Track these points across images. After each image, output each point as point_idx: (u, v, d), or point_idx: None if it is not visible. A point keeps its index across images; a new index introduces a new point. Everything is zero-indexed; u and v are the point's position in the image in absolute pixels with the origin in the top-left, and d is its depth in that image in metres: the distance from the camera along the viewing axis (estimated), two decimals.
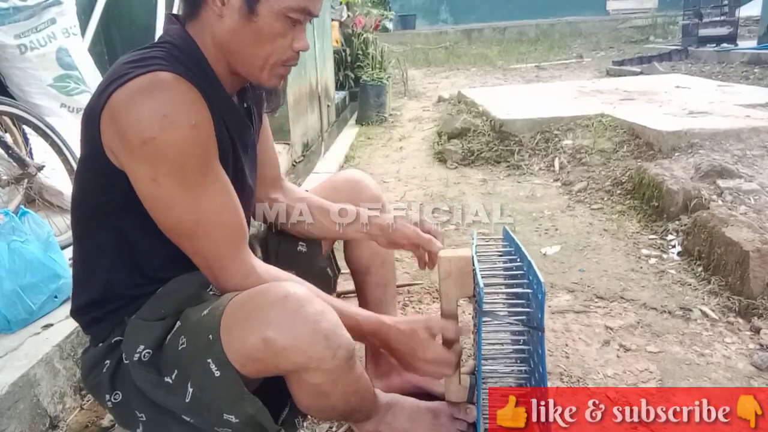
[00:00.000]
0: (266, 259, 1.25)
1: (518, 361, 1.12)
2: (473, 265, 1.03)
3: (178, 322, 0.93)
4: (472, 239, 1.16)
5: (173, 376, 0.89)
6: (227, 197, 0.92)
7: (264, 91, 1.08)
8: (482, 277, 0.98)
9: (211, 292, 0.98)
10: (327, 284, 1.28)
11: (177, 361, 0.89)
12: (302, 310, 0.82)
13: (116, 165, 0.88)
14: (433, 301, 1.84)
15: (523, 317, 1.03)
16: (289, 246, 1.25)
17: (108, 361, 0.98)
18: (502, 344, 1.14)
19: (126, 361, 0.93)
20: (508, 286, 1.08)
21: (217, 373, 0.84)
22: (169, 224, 0.90)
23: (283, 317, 0.82)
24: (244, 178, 1.05)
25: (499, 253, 1.17)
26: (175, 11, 1.00)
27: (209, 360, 0.85)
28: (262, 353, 0.82)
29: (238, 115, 1.00)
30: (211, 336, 0.85)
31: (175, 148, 0.83)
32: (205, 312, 0.89)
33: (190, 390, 0.87)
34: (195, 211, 0.88)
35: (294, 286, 0.87)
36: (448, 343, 1.05)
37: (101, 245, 0.97)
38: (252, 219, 1.19)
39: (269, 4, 0.88)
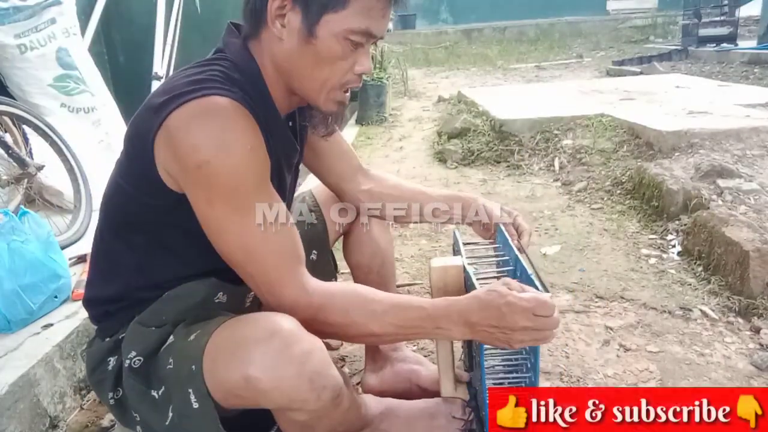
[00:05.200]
0: None
1: (514, 362, 1.12)
2: (465, 273, 1.02)
3: (171, 337, 0.92)
4: (456, 242, 1.16)
5: (160, 392, 0.89)
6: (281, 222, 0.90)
7: (321, 115, 1.04)
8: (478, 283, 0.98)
9: (217, 301, 0.98)
10: None
11: (164, 379, 0.89)
12: (288, 350, 0.80)
13: (168, 185, 0.88)
14: None
15: None
16: None
17: (113, 358, 0.98)
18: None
19: (125, 364, 0.93)
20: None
21: (196, 405, 0.84)
22: (222, 247, 0.89)
23: (268, 357, 0.80)
24: (287, 197, 1.06)
25: (489, 255, 1.17)
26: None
27: (190, 390, 0.84)
28: (244, 391, 0.81)
29: (287, 137, 1.00)
30: (194, 367, 0.84)
31: (229, 172, 0.83)
32: (192, 337, 0.88)
33: (171, 414, 0.87)
34: (248, 235, 0.86)
35: (282, 320, 0.84)
36: None
37: (132, 245, 0.97)
38: None
39: (329, 26, 0.85)
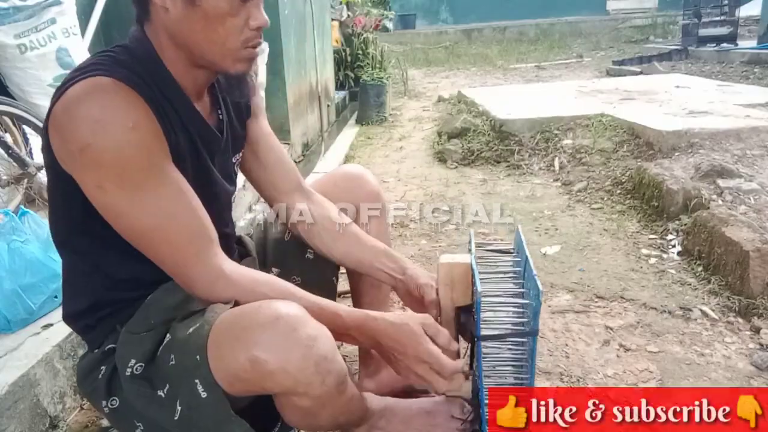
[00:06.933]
0: (272, 265, 1.23)
1: (513, 363, 1.12)
2: (473, 271, 1.02)
3: (168, 336, 0.91)
4: (470, 241, 1.16)
5: (165, 390, 0.89)
6: (182, 200, 0.88)
7: (233, 80, 1.02)
8: (481, 283, 0.98)
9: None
10: (332, 294, 1.27)
11: (167, 377, 0.88)
12: (294, 333, 0.80)
13: (69, 173, 0.86)
14: None
15: (521, 321, 1.03)
16: (297, 253, 1.23)
17: (103, 368, 0.97)
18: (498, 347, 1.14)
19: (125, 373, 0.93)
20: (506, 292, 1.07)
21: (204, 395, 0.83)
22: (124, 232, 0.87)
23: (274, 340, 0.79)
24: (213, 185, 1.01)
25: (498, 256, 1.17)
26: None
27: (197, 380, 0.84)
28: (250, 374, 0.80)
29: (198, 118, 0.96)
30: (198, 357, 0.83)
31: (112, 152, 0.81)
32: (191, 330, 0.87)
33: (179, 408, 0.87)
34: (145, 216, 0.85)
35: (287, 306, 0.83)
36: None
37: (80, 251, 0.96)
38: (251, 224, 1.18)
39: None
